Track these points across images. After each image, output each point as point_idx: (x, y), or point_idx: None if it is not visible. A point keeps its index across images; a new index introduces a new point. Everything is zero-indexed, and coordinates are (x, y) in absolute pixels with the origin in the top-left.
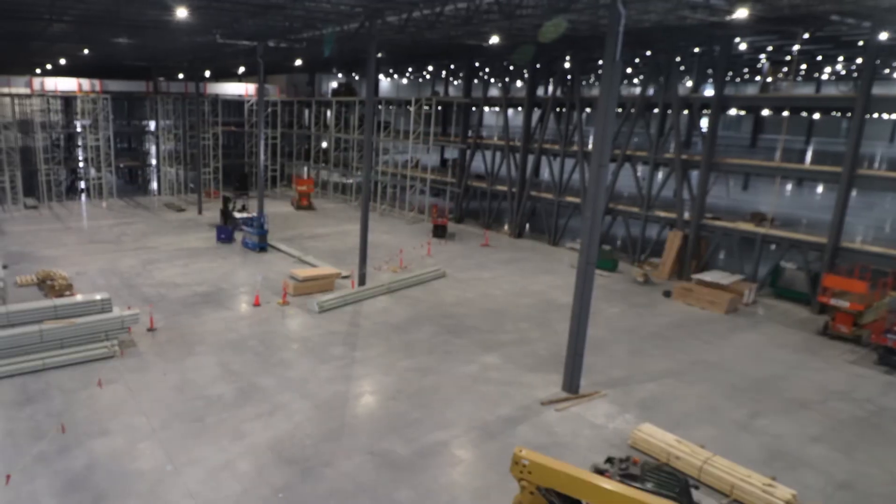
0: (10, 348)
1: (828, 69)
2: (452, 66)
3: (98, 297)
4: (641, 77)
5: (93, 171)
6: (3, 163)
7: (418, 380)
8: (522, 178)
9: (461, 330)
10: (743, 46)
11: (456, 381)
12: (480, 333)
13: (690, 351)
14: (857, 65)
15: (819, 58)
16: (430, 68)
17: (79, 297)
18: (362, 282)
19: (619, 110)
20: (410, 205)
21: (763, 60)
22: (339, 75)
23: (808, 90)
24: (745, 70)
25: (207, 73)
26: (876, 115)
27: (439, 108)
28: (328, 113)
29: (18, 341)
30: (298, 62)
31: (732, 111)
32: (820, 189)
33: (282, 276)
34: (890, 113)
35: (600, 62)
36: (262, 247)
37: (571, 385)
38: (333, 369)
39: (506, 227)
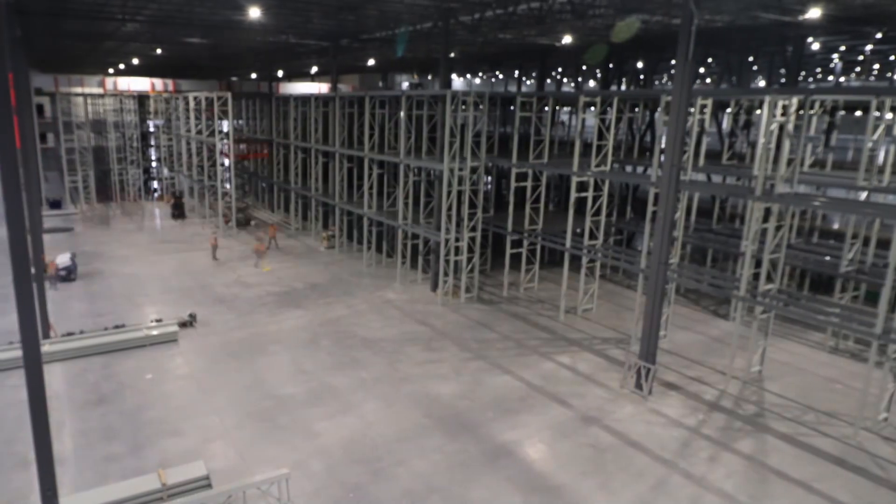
0: None
1: None
2: (525, 66)
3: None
4: (714, 76)
5: (165, 171)
6: (77, 162)
7: (491, 379)
8: None
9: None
10: (815, 46)
11: (529, 380)
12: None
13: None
14: None
15: (892, 57)
16: (503, 68)
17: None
18: (434, 284)
19: (692, 109)
20: None
21: (835, 60)
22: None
23: None
24: (818, 70)
25: (280, 73)
26: None
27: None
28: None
29: None
30: (371, 62)
31: None
32: None
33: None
34: None
35: (672, 62)
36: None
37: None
38: (406, 368)
39: None
